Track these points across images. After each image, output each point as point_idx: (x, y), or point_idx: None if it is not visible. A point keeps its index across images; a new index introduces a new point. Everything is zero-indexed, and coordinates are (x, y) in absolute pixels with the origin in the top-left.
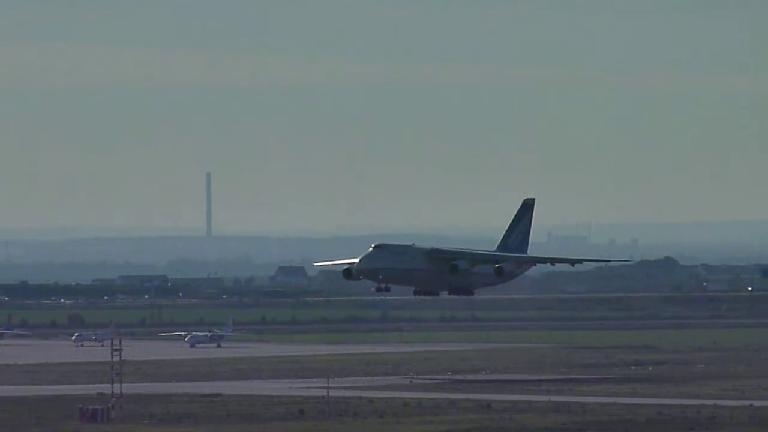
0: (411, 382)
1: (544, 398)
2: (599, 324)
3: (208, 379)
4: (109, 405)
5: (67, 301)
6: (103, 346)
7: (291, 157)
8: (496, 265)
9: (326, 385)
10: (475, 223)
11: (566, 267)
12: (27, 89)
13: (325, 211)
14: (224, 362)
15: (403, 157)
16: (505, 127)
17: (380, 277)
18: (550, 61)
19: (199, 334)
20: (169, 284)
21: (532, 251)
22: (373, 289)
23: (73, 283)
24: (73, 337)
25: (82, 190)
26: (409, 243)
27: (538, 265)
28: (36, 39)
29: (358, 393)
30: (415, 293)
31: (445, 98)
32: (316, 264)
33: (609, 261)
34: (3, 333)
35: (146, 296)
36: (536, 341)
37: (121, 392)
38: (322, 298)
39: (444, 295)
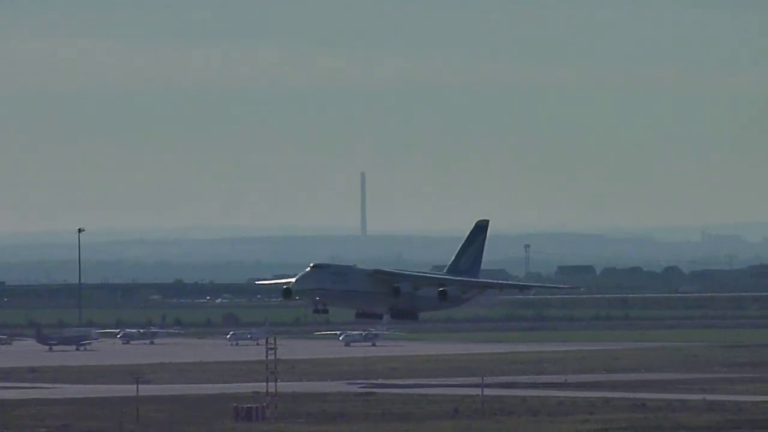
0: (565, 380)
1: (699, 397)
2: (753, 322)
3: (362, 378)
4: (264, 404)
5: (222, 300)
6: (257, 344)
7: (444, 156)
8: (440, 289)
9: (480, 383)
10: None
11: (724, 265)
12: (195, 89)
13: (478, 209)
14: (379, 361)
15: (560, 156)
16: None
17: (317, 298)
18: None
19: (354, 332)
20: None
21: (692, 250)
22: (312, 310)
23: (228, 282)
24: (228, 336)
25: (237, 189)
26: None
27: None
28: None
29: (513, 392)
30: (357, 315)
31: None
32: (257, 282)
33: (559, 287)
34: (157, 332)
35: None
36: (697, 340)
37: (276, 391)
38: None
39: (387, 318)
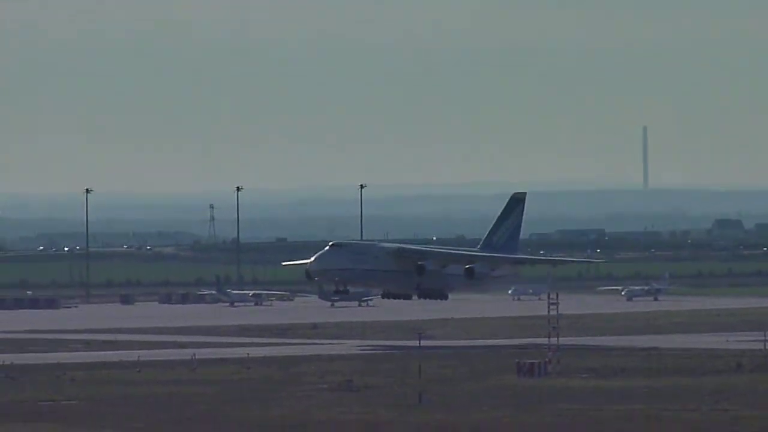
0: None
1: None
2: None
3: (644, 333)
4: (546, 359)
5: None
6: (539, 300)
7: (726, 108)
8: (466, 266)
9: (763, 338)
10: None
11: None
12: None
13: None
14: (661, 316)
15: None
16: None
17: (336, 279)
18: None
19: (636, 287)
20: (606, 238)
21: None
22: (332, 291)
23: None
24: (510, 291)
25: (524, 144)
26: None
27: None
28: None
29: None
30: (383, 296)
31: None
32: (283, 264)
33: (594, 261)
34: None
35: (589, 251)
36: None
37: (558, 346)
38: (759, 251)
39: (415, 298)
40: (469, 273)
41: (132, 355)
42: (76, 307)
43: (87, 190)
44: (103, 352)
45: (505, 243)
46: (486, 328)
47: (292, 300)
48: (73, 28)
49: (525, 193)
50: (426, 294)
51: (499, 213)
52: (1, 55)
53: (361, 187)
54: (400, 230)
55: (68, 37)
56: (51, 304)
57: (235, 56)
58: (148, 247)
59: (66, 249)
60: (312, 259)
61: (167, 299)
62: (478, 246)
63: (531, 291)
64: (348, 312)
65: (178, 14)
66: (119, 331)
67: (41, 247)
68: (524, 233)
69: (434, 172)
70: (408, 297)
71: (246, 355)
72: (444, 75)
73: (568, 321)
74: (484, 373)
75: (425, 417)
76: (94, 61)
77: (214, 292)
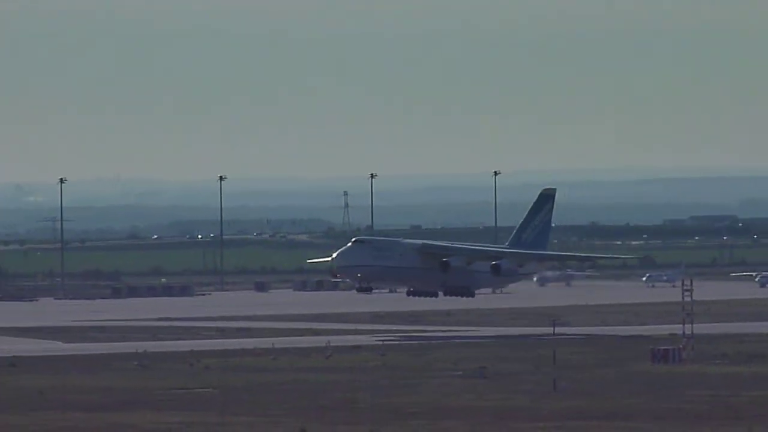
0: None
1: None
2: None
3: None
4: (681, 345)
5: (637, 242)
6: (673, 286)
7: None
8: (493, 263)
9: None
10: None
11: None
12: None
13: None
14: None
15: None
16: None
17: (359, 275)
18: None
19: None
20: (740, 224)
21: None
22: (355, 289)
23: (644, 224)
24: (644, 278)
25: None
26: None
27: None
28: None
29: None
30: (409, 293)
31: None
32: (309, 261)
33: (620, 257)
34: (574, 274)
35: (725, 237)
36: None
37: (692, 332)
38: None
39: (441, 296)
40: (496, 269)
41: (266, 342)
42: (209, 294)
43: (221, 177)
44: (237, 340)
45: (535, 239)
46: (621, 315)
47: None
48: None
49: (554, 189)
50: (452, 291)
51: (529, 207)
52: (137, 46)
53: (495, 174)
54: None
55: (200, 23)
56: (185, 291)
57: (372, 43)
58: (282, 235)
59: (200, 236)
60: (335, 255)
61: (301, 286)
62: (507, 242)
63: (665, 278)
64: (483, 299)
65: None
66: (253, 318)
67: (175, 235)
68: (657, 219)
69: (570, 157)
70: (434, 295)
71: (380, 342)
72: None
73: (702, 307)
74: (618, 360)
75: (560, 404)
76: (226, 49)
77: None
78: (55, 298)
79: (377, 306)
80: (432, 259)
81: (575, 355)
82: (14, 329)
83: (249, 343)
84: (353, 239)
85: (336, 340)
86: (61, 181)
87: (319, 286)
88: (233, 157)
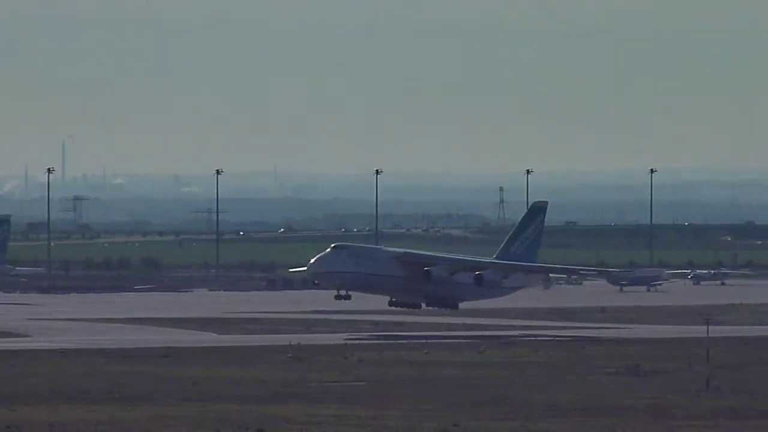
0: None
1: None
2: None
3: None
4: None
5: None
6: None
7: None
8: (476, 273)
9: None
10: None
11: None
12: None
13: None
14: None
15: None
16: None
17: (336, 282)
18: None
19: None
20: None
21: None
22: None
23: None
24: None
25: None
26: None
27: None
28: None
29: None
30: (390, 304)
31: None
32: (290, 270)
33: (609, 270)
34: (728, 273)
35: None
36: None
37: None
38: None
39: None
40: (479, 280)
41: (420, 336)
42: None
43: (377, 171)
44: (391, 333)
45: (524, 252)
46: None
47: (580, 284)
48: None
49: (546, 201)
50: (434, 302)
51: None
52: (295, 41)
53: (651, 171)
54: (689, 215)
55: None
56: None
57: (526, 41)
58: (437, 229)
59: (355, 230)
60: (312, 260)
61: None
62: (495, 255)
63: None
64: (636, 296)
65: None
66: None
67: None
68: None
69: (726, 155)
70: (416, 306)
71: (533, 338)
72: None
73: None
74: None
75: (714, 403)
76: (390, 46)
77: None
78: (210, 290)
79: (530, 302)
80: (413, 268)
81: (729, 354)
82: (169, 320)
83: (403, 336)
84: (332, 245)
85: (488, 336)
86: (218, 172)
87: None
88: (390, 151)
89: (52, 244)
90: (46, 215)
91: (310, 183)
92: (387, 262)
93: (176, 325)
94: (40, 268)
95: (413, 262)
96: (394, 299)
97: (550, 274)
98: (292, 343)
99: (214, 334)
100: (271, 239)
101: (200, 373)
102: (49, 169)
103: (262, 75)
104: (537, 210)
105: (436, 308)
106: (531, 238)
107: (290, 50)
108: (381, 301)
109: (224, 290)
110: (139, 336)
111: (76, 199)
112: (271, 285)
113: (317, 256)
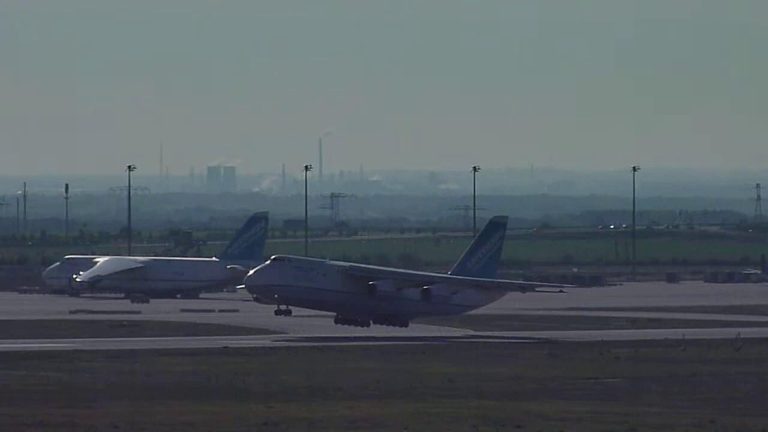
0: None
1: None
2: None
3: None
4: None
5: None
6: None
7: None
8: (423, 287)
9: None
10: None
11: None
12: None
13: None
14: None
15: None
16: None
17: (276, 296)
18: None
19: None
20: None
21: None
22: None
23: None
24: None
25: None
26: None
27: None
28: None
29: None
30: (336, 321)
31: None
32: (228, 267)
33: (562, 287)
34: None
35: None
36: None
37: None
38: None
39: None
40: (426, 295)
41: (676, 333)
42: (620, 284)
43: (634, 168)
44: (647, 330)
45: (481, 269)
46: None
47: None
48: None
49: (506, 217)
50: (382, 320)
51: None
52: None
53: None
54: None
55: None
56: (596, 281)
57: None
58: (694, 226)
59: (611, 227)
60: (250, 272)
61: (712, 278)
62: (450, 271)
63: None
64: None
65: None
66: (664, 309)
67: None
68: None
69: None
70: (364, 324)
71: None
72: None
73: None
74: None
75: None
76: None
77: (759, 271)
78: None
79: None
80: (359, 282)
81: None
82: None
83: (659, 333)
84: (272, 256)
85: (746, 332)
86: (474, 169)
87: (729, 278)
88: (647, 149)
89: (309, 241)
90: (304, 212)
91: (567, 180)
92: (331, 275)
93: (434, 321)
94: None
95: (359, 276)
96: (340, 316)
97: (508, 291)
98: (549, 340)
99: (471, 331)
100: (528, 236)
101: (456, 370)
102: (306, 167)
103: (519, 74)
104: (495, 225)
105: (383, 325)
106: (489, 254)
107: (549, 50)
108: (631, 300)
109: None
110: (391, 332)
111: (333, 196)
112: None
113: (256, 268)
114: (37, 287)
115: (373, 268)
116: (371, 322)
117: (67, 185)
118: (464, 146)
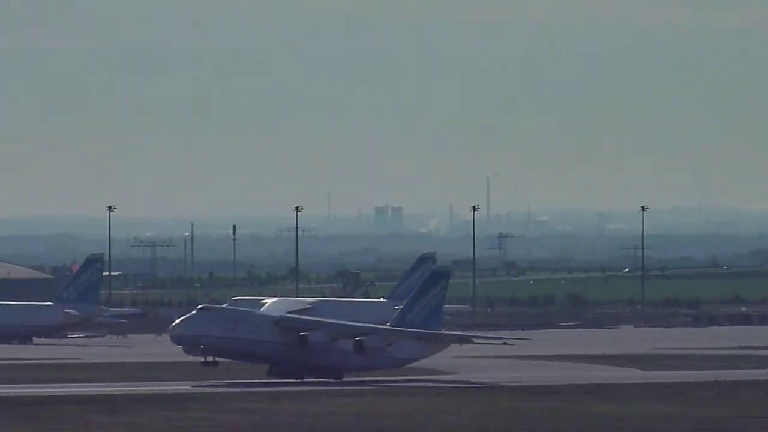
0: None
1: None
2: None
3: None
4: None
5: None
6: None
7: None
8: (356, 339)
9: None
10: None
11: None
12: None
13: None
14: None
15: None
16: None
17: (202, 347)
18: None
19: None
20: None
21: None
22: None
23: None
24: None
25: None
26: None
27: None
28: None
29: None
30: (269, 373)
31: None
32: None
33: (505, 340)
34: None
35: None
36: None
37: None
38: None
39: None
40: (358, 347)
41: None
42: None
43: None
44: None
45: (422, 322)
46: None
47: None
48: None
49: (450, 266)
50: (316, 372)
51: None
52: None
53: None
54: None
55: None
56: (765, 320)
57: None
58: None
59: None
60: (175, 322)
61: None
62: (388, 323)
63: None
64: None
65: None
66: None
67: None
68: None
69: None
70: (298, 376)
71: None
72: None
73: None
74: None
75: None
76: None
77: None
78: (635, 326)
79: None
80: (290, 333)
81: None
82: (592, 356)
83: None
84: (198, 306)
85: None
86: (643, 209)
87: None
88: None
89: (477, 282)
90: (471, 252)
91: (736, 218)
92: (263, 326)
93: (600, 361)
94: (464, 305)
95: (290, 327)
96: (271, 368)
97: (450, 343)
98: (718, 380)
99: (638, 371)
100: (697, 275)
101: (623, 409)
102: (474, 207)
103: (686, 112)
104: (439, 276)
105: (317, 378)
106: (431, 305)
107: (715, 89)
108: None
109: (649, 326)
110: (562, 372)
111: (501, 236)
112: (696, 321)
113: (181, 318)
114: None
115: (307, 319)
116: (304, 375)
117: (234, 227)
118: (631, 186)
